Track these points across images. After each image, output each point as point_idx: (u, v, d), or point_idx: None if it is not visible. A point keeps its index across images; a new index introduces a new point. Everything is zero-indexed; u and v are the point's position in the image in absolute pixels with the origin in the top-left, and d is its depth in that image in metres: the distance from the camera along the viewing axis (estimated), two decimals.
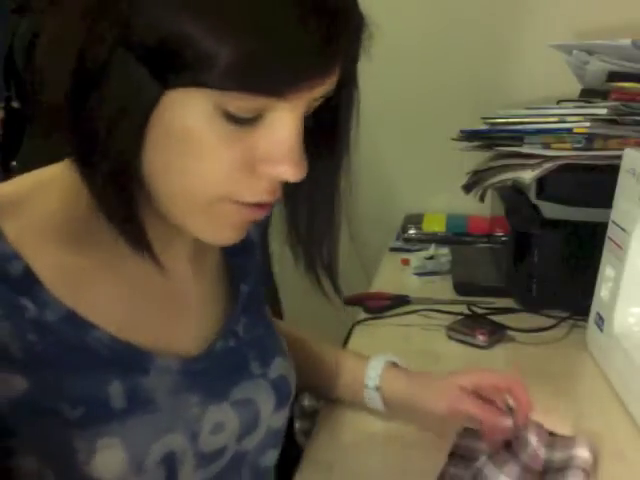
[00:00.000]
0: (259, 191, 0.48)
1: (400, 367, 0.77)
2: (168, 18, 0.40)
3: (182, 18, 0.40)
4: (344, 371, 0.77)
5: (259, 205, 0.49)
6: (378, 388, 0.74)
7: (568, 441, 0.68)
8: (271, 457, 0.64)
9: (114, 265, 0.52)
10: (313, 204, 0.56)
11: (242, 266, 0.65)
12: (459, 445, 0.70)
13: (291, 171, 0.46)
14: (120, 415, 0.48)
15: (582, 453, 0.65)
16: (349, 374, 0.77)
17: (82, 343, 0.48)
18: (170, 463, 0.51)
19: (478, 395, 0.70)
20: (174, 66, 0.41)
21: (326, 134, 0.52)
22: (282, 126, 0.45)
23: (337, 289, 0.60)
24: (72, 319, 0.48)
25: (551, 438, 0.68)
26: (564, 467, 0.64)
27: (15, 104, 1.67)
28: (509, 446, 0.65)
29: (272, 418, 0.61)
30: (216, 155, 0.45)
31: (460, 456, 0.68)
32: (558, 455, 0.66)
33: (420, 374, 0.75)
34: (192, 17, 0.39)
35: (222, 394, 0.57)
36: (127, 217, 0.47)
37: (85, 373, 0.48)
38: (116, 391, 0.49)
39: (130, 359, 0.51)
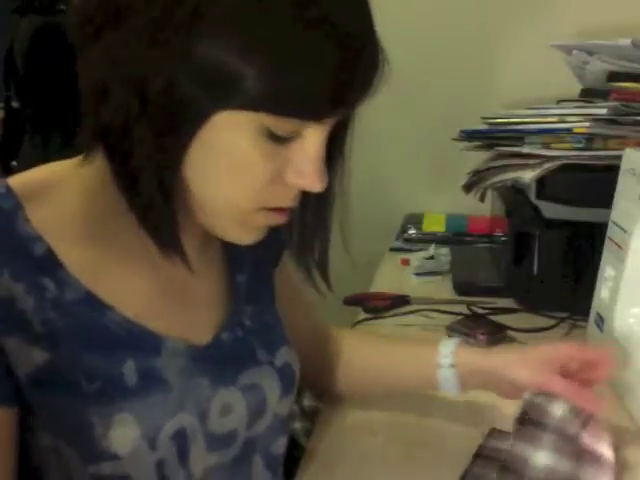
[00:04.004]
0: (285, 198, 0.54)
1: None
2: (226, 49, 0.45)
3: (238, 51, 0.45)
4: (407, 358, 0.77)
5: (281, 210, 0.55)
6: (453, 365, 0.72)
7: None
8: (281, 444, 0.66)
9: (129, 258, 0.56)
10: (306, 204, 0.59)
11: (238, 257, 0.67)
12: (485, 446, 0.69)
13: (317, 183, 0.52)
14: (134, 392, 0.51)
15: (608, 454, 0.64)
16: (414, 359, 0.76)
17: (99, 323, 0.52)
18: (181, 441, 0.54)
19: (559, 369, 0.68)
20: (227, 90, 0.46)
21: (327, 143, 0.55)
22: (313, 143, 0.51)
23: (328, 283, 0.63)
24: (90, 300, 0.52)
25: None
26: (594, 462, 0.63)
27: (15, 104, 1.68)
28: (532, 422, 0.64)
29: (278, 405, 0.63)
30: (257, 169, 0.50)
31: (486, 457, 0.67)
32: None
33: (494, 348, 0.75)
34: (247, 51, 0.45)
35: (230, 379, 0.59)
36: (166, 224, 0.51)
37: (100, 351, 0.51)
38: (130, 370, 0.52)
39: (143, 340, 0.54)
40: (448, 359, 0.72)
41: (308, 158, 0.51)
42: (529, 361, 0.69)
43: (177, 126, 0.47)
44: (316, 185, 0.52)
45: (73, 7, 0.49)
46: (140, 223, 0.51)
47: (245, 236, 0.56)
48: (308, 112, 0.49)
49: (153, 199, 0.50)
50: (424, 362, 0.74)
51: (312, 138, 0.51)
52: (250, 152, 0.49)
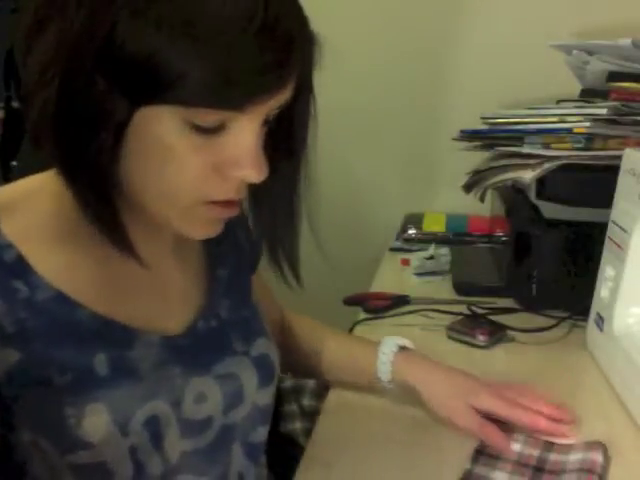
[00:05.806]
0: (227, 191, 0.53)
1: (411, 352, 0.80)
2: (142, 44, 0.44)
3: (153, 45, 0.44)
4: (353, 362, 0.82)
5: (228, 203, 0.54)
6: (390, 381, 0.77)
7: (582, 445, 0.68)
8: (261, 433, 0.67)
9: (100, 258, 0.57)
10: (274, 200, 0.60)
11: (219, 253, 0.69)
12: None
13: (254, 174, 0.52)
14: (105, 382, 0.53)
15: (595, 457, 0.65)
16: (359, 366, 0.80)
17: (70, 320, 0.53)
18: (154, 427, 0.55)
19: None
20: (144, 87, 0.46)
21: (284, 137, 0.56)
22: (244, 134, 0.50)
23: (298, 278, 0.65)
24: (61, 299, 0.53)
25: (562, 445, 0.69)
26: (576, 469, 0.64)
27: (15, 104, 1.67)
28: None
29: (257, 395, 0.64)
30: (187, 162, 0.50)
31: (487, 455, 0.68)
32: (572, 458, 0.66)
33: (434, 369, 0.77)
34: (161, 44, 0.44)
35: (204, 368, 0.60)
36: (108, 220, 0.52)
37: (71, 345, 0.53)
38: (100, 361, 0.53)
39: (116, 335, 0.55)
40: (386, 375, 0.77)
41: (241, 148, 0.51)
42: (440, 396, 0.74)
43: (102, 126, 0.47)
44: (253, 175, 0.52)
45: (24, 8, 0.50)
46: (86, 219, 0.52)
47: (199, 231, 0.56)
48: (226, 102, 0.47)
49: (89, 196, 0.50)
50: (366, 376, 0.79)
51: (243, 129, 0.50)
52: (176, 146, 0.49)
